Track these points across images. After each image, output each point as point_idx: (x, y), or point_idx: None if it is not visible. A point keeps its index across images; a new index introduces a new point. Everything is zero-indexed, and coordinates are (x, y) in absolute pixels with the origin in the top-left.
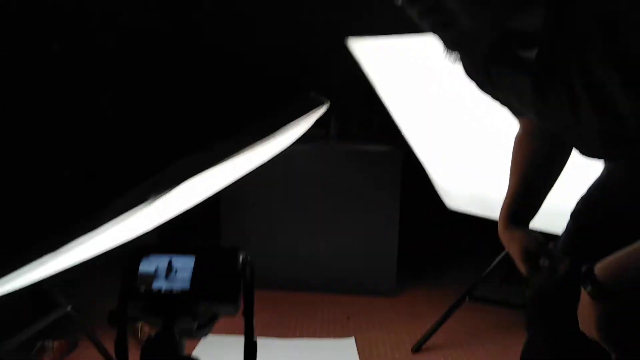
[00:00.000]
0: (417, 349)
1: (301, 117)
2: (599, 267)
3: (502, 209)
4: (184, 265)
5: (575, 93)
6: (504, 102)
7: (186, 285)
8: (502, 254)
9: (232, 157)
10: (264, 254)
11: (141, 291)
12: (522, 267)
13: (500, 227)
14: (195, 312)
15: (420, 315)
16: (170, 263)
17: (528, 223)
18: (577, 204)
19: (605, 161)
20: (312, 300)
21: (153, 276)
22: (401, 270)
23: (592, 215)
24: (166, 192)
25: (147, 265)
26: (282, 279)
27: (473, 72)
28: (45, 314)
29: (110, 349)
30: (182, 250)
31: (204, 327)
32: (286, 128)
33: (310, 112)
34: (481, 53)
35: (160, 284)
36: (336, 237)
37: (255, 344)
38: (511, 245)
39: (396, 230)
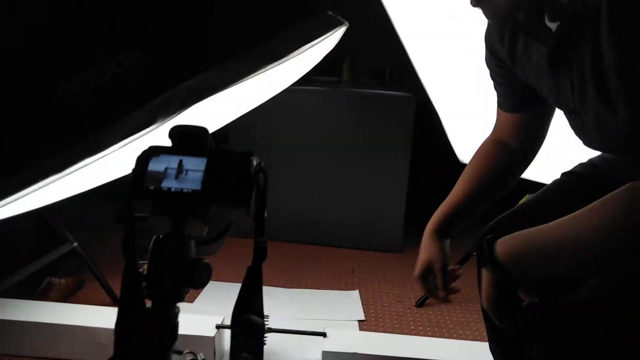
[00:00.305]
0: (420, 303)
1: (320, 37)
2: (500, 242)
3: (438, 212)
4: (196, 166)
5: (584, 73)
6: (520, 80)
7: (197, 185)
8: (511, 210)
9: (245, 78)
10: (268, 204)
11: (150, 189)
12: (417, 276)
13: (428, 230)
14: (205, 214)
15: None
16: (180, 163)
17: (451, 234)
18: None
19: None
20: (318, 253)
21: (163, 175)
22: (408, 225)
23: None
24: (175, 115)
25: (157, 164)
26: (287, 231)
27: (498, 44)
28: (51, 250)
29: (116, 289)
30: (193, 152)
31: (216, 239)
32: (303, 48)
33: (329, 31)
34: (515, 22)
35: (170, 183)
36: (344, 189)
37: (265, 247)
38: (423, 252)
39: (405, 183)
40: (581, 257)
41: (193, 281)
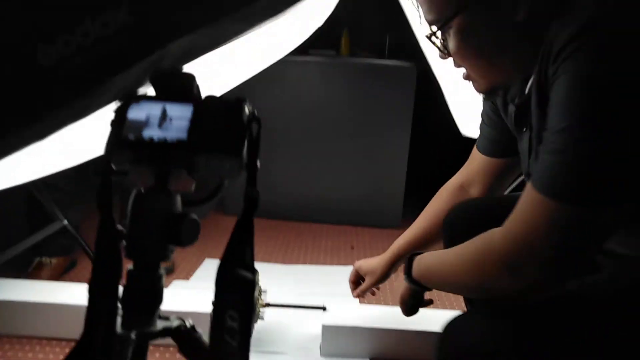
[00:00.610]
0: None
1: None
2: (416, 260)
3: (395, 246)
4: (181, 113)
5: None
6: (507, 129)
7: (182, 134)
8: (515, 183)
9: (239, 36)
10: (265, 180)
11: (130, 139)
12: (351, 279)
13: (387, 258)
14: (192, 165)
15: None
16: (164, 110)
17: None
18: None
19: None
20: (316, 230)
21: (144, 124)
22: (407, 199)
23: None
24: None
25: (137, 112)
26: (285, 208)
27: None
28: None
29: None
30: (178, 99)
31: (207, 199)
32: (302, 4)
33: None
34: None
35: (152, 132)
36: (342, 164)
37: (256, 198)
38: (373, 266)
39: (406, 156)
40: (456, 285)
41: (179, 238)
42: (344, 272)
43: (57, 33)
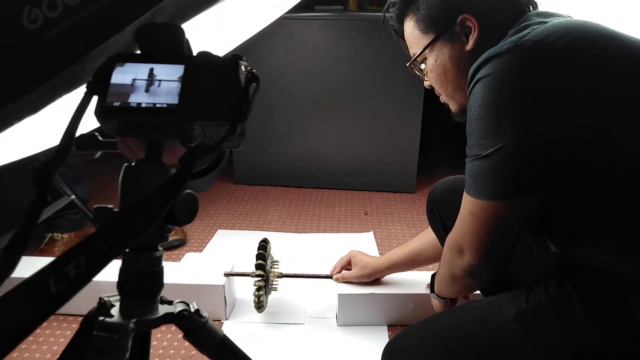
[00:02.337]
0: None
1: None
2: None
3: (394, 256)
4: (170, 75)
5: None
6: None
7: (173, 98)
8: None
9: None
10: (274, 147)
11: (114, 106)
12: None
13: (382, 264)
14: (185, 133)
15: None
16: (151, 72)
17: None
18: None
19: None
20: (329, 197)
21: (130, 88)
22: (421, 162)
23: None
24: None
25: (122, 76)
26: (296, 176)
27: None
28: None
29: None
30: (167, 59)
31: (206, 172)
32: None
33: None
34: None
35: (139, 98)
36: (354, 128)
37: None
38: (367, 271)
39: (420, 118)
40: (454, 293)
41: (174, 216)
42: (359, 239)
43: None
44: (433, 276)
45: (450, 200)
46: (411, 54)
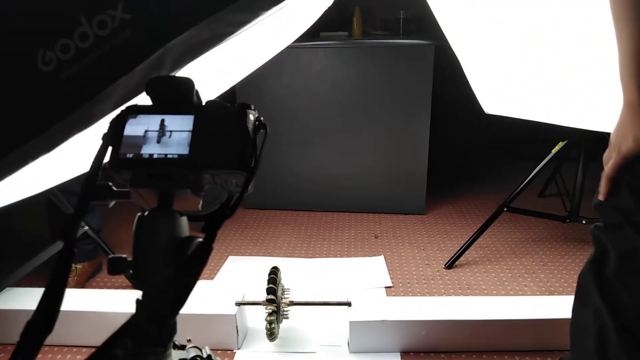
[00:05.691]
0: (450, 265)
1: None
2: None
3: (627, 67)
4: (181, 126)
5: None
6: None
7: (184, 149)
8: (542, 164)
9: (243, 29)
10: (284, 172)
11: (127, 158)
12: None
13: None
14: (196, 183)
15: (452, 232)
16: (162, 123)
17: None
18: None
19: None
20: (338, 220)
21: (142, 140)
22: (430, 185)
23: None
24: (176, 70)
25: (134, 128)
26: (305, 199)
27: None
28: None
29: None
30: (177, 109)
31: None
32: None
33: None
34: None
35: (151, 149)
36: (361, 150)
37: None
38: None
39: (427, 139)
40: None
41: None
42: (370, 263)
43: (54, 37)
44: None
45: None
46: None
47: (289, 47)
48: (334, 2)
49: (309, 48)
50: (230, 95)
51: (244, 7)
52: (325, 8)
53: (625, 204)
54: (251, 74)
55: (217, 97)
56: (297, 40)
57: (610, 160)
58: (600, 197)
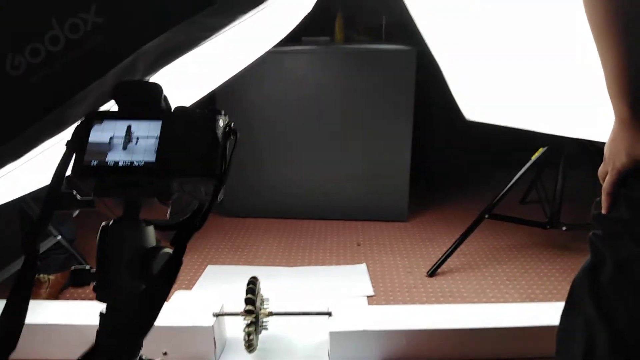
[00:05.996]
0: (432, 273)
1: None
2: None
3: (615, 83)
4: (148, 132)
5: None
6: None
7: (150, 156)
8: (522, 170)
9: (218, 33)
10: (264, 179)
11: (92, 165)
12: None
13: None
14: (163, 191)
15: (434, 239)
16: (129, 129)
17: None
18: None
19: None
20: (320, 228)
21: (108, 147)
22: (413, 191)
23: None
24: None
25: (100, 134)
26: (286, 207)
27: None
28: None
29: None
30: (144, 115)
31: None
32: None
33: None
34: None
35: (116, 156)
36: (343, 157)
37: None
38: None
39: (409, 145)
40: None
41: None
42: (351, 272)
43: (24, 40)
44: None
45: None
46: None
47: (270, 52)
48: (315, 6)
49: (291, 53)
50: (209, 100)
51: (220, 11)
52: (305, 14)
53: (624, 216)
54: (231, 79)
55: (196, 103)
56: (279, 45)
57: (605, 175)
58: (603, 212)
